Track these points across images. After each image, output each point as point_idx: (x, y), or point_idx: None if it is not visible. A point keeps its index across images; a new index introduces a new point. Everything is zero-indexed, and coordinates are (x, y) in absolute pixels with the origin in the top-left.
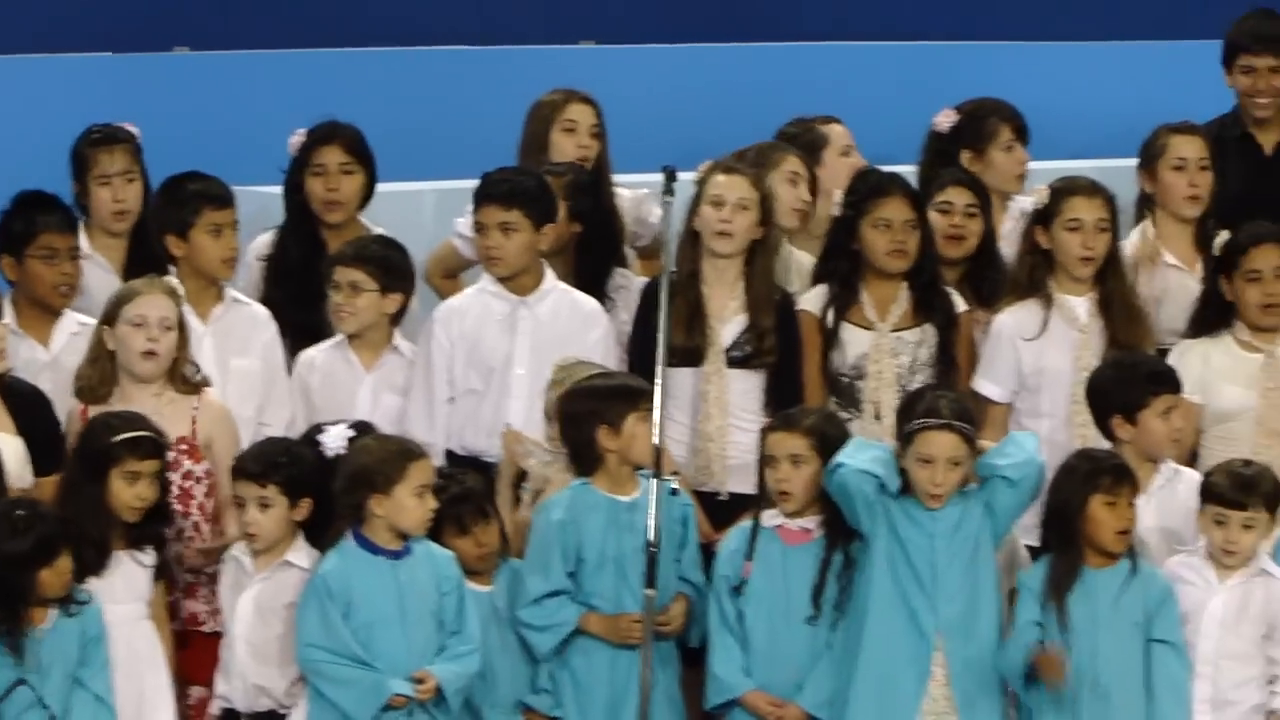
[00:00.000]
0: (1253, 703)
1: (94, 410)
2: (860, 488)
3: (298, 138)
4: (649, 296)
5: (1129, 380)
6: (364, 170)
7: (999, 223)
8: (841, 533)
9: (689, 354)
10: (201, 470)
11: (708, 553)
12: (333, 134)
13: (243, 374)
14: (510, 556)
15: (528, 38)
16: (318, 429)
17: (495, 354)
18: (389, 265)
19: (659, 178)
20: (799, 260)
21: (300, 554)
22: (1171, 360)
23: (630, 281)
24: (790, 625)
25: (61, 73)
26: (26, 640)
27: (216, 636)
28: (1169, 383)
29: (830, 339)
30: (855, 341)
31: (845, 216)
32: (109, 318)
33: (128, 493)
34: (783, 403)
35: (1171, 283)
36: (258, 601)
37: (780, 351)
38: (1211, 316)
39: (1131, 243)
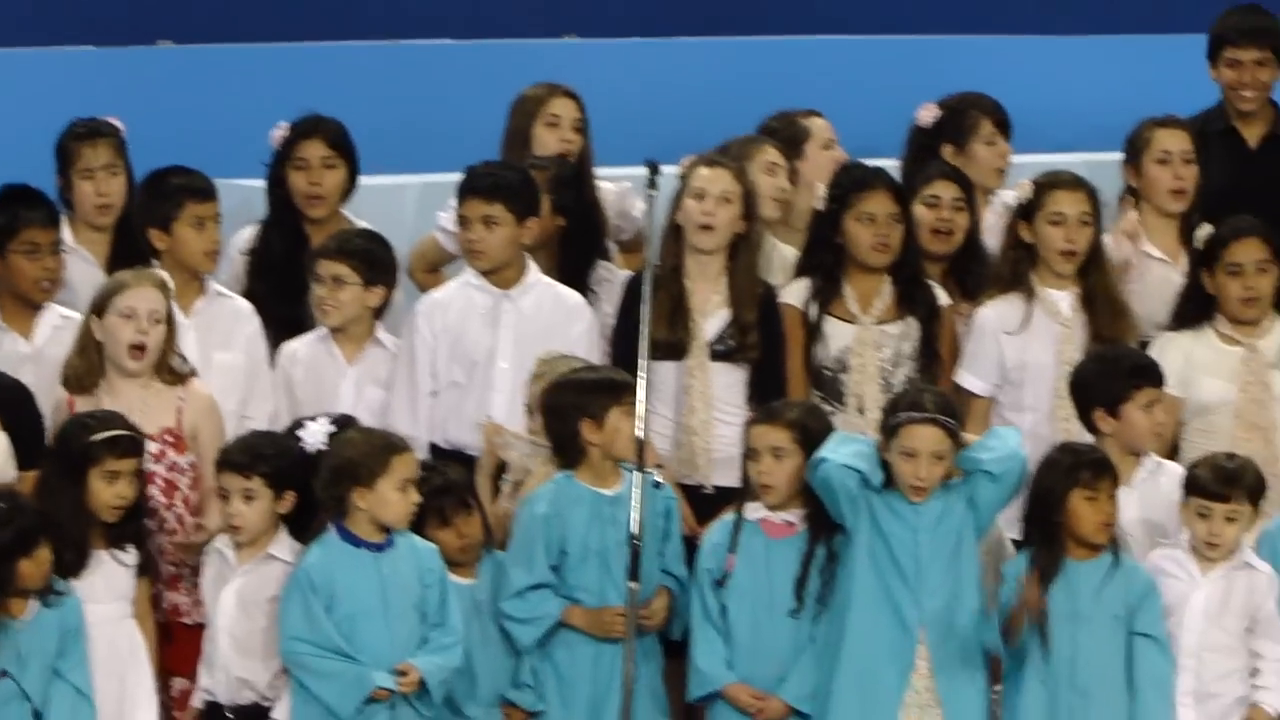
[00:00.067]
0: (1236, 695)
1: (80, 400)
2: (843, 482)
3: (280, 131)
4: (632, 291)
5: (1111, 373)
6: (346, 164)
7: (982, 217)
8: (824, 526)
9: (672, 348)
10: (186, 462)
11: (691, 546)
12: (315, 128)
13: (225, 367)
14: (494, 548)
15: (511, 31)
16: (300, 424)
17: (478, 347)
18: (372, 259)
19: (642, 171)
20: (782, 253)
21: (283, 547)
22: (1152, 353)
23: (613, 275)
24: (773, 618)
25: (45, 66)
26: (6, 632)
27: (199, 628)
28: (1151, 376)
29: (813, 332)
30: (838, 335)
31: (829, 210)
32: (98, 308)
33: (107, 492)
34: (766, 396)
35: (1156, 276)
36: (240, 594)
37: (763, 345)
38: (1193, 310)
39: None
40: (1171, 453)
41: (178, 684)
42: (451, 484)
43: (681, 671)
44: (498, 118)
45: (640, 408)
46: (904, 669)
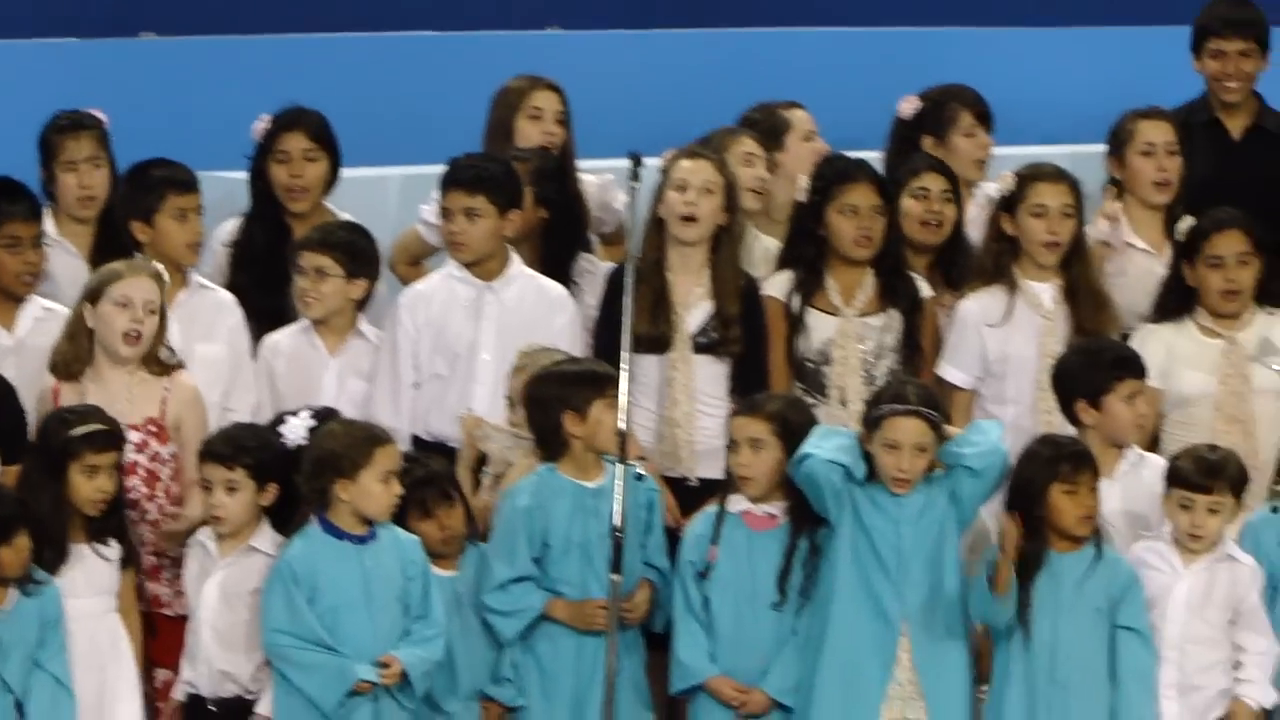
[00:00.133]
0: (1219, 688)
1: (66, 388)
2: (828, 478)
3: (261, 124)
4: (614, 283)
5: (1094, 365)
6: (328, 156)
7: (964, 209)
8: (807, 519)
9: (655, 341)
10: (168, 453)
11: (674, 538)
12: (296, 120)
13: (208, 359)
14: (478, 541)
15: (494, 23)
16: (281, 419)
17: (460, 339)
18: (355, 251)
19: (625, 164)
20: (763, 244)
21: (265, 540)
22: (1134, 345)
23: (595, 267)
24: (756, 611)
25: (28, 58)
26: None
27: (180, 620)
28: (1133, 367)
29: (795, 324)
30: (820, 327)
31: (811, 202)
32: (92, 296)
33: (88, 486)
34: (748, 388)
35: (1140, 267)
36: (223, 587)
37: (746, 337)
38: (1174, 302)
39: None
40: (1151, 445)
41: (160, 675)
42: (433, 475)
43: (664, 664)
44: (480, 110)
45: (622, 400)
46: (886, 662)
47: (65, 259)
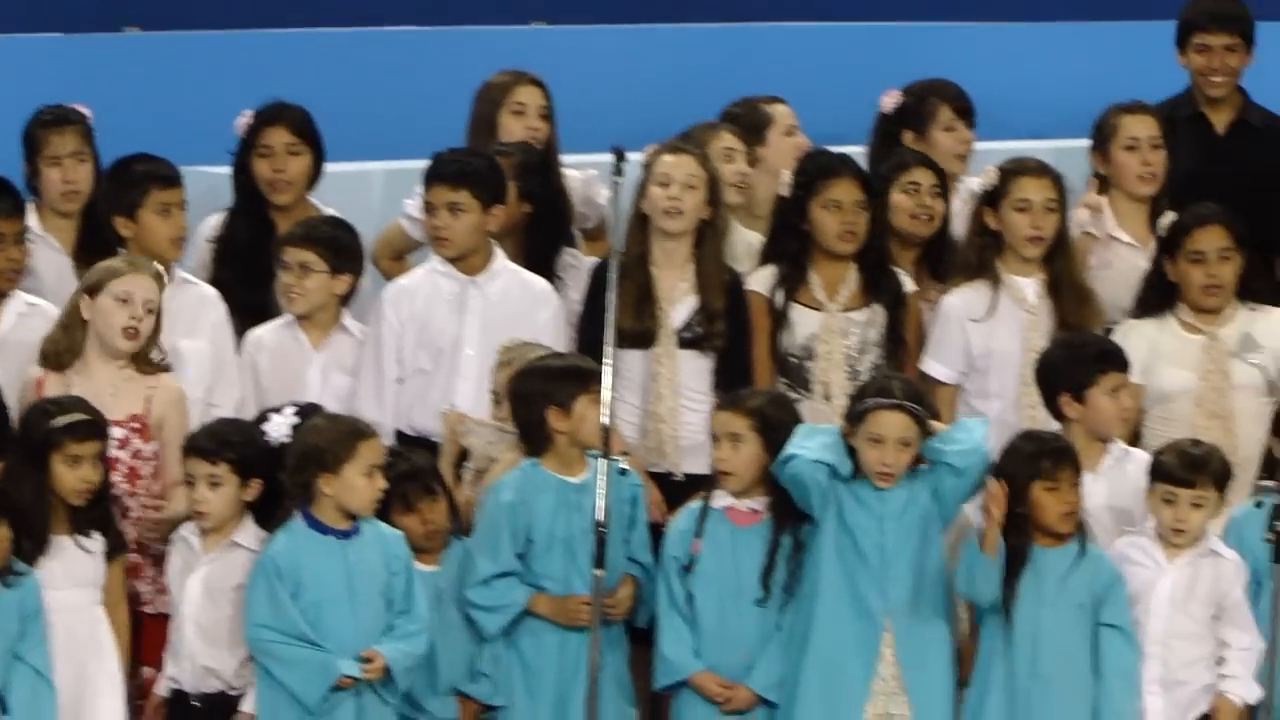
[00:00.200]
0: (1203, 683)
1: (51, 378)
2: (814, 477)
3: (244, 119)
4: (597, 278)
5: (1077, 359)
6: (311, 151)
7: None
8: (790, 515)
9: (639, 336)
10: (150, 450)
11: (658, 534)
12: (279, 115)
13: (192, 355)
14: (462, 535)
15: (477, 18)
16: (265, 416)
17: (445, 334)
18: (338, 246)
19: (608, 158)
20: (746, 239)
21: (249, 535)
22: (1116, 340)
23: (579, 261)
24: (740, 607)
25: (11, 53)
26: None
27: (161, 618)
28: (1117, 361)
29: (779, 320)
30: (804, 322)
31: (794, 197)
32: (92, 289)
33: (71, 476)
34: (733, 383)
35: (1125, 262)
36: (206, 583)
37: (730, 332)
38: (1155, 297)
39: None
40: (1132, 440)
41: (144, 672)
42: (417, 470)
43: (648, 660)
44: (464, 105)
45: (606, 395)
46: (870, 658)
47: (49, 254)
